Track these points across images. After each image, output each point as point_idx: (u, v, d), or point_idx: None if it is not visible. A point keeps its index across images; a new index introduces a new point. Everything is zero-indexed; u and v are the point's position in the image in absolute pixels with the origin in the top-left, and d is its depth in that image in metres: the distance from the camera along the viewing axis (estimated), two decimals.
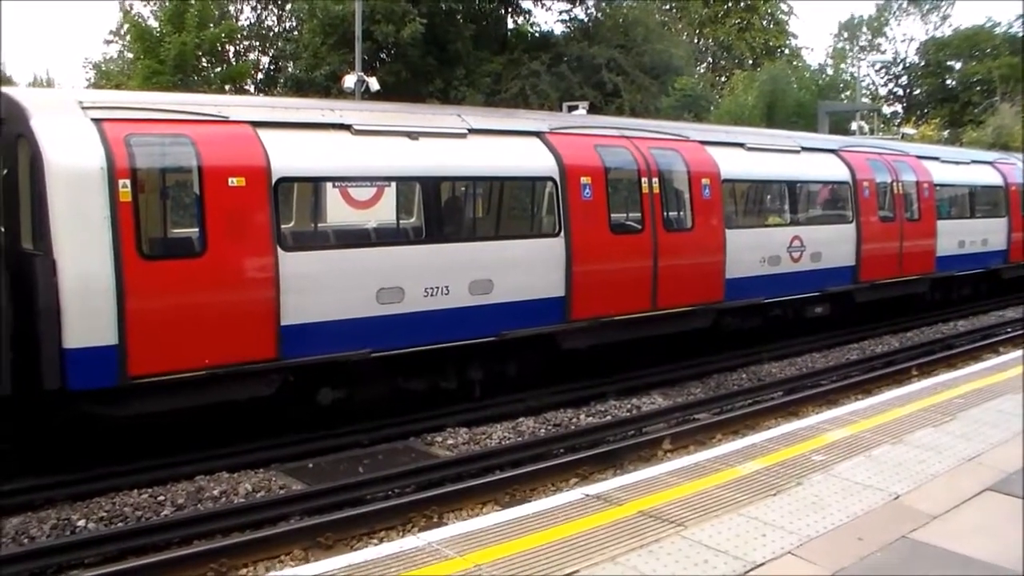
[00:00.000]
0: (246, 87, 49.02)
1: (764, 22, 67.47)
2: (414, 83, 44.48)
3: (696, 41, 68.65)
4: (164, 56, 41.30)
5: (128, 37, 47.83)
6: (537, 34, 54.08)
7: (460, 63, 46.86)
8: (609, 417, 13.50)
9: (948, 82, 76.66)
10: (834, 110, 51.11)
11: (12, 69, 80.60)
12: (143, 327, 10.00)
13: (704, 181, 15.69)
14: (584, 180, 13.85)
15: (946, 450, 8.63)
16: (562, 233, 13.64)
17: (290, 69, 50.61)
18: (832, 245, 18.72)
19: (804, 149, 19.33)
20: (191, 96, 12.90)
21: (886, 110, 78.25)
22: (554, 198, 13.85)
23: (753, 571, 5.91)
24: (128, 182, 9.99)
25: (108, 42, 58.96)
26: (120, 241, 9.87)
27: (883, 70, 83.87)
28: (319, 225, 13.68)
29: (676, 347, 16.24)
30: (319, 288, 11.27)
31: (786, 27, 70.36)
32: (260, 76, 52.67)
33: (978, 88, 71.86)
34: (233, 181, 10.66)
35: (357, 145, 12.07)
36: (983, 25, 75.96)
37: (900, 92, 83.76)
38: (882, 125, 66.67)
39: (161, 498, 9.87)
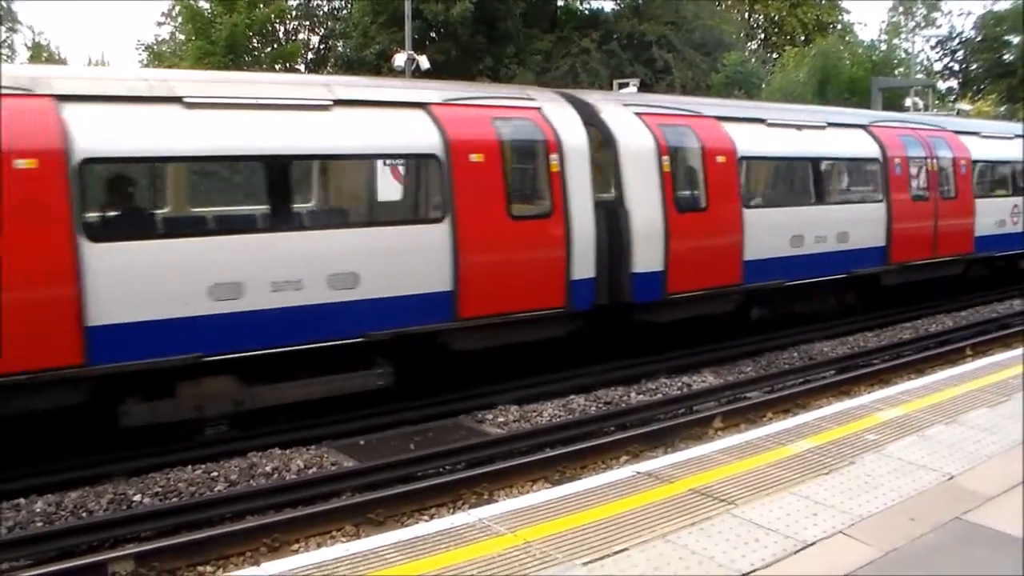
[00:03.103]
0: (296, 67, 49.26)
1: None
2: (464, 61, 44.49)
3: (747, 17, 67.85)
4: (215, 37, 41.69)
5: (180, 18, 48.26)
6: (587, 11, 53.87)
7: (510, 41, 46.76)
8: (660, 395, 13.50)
9: (1005, 57, 75.03)
10: (888, 86, 50.25)
11: (67, 51, 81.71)
12: (676, 259, 14.16)
13: (962, 161, 20.59)
14: (896, 161, 18.59)
15: (1001, 431, 8.51)
16: (884, 200, 18.30)
17: (340, 48, 50.77)
18: None
19: (1016, 136, 23.69)
20: (674, 97, 19.38)
21: (941, 86, 76.79)
22: (878, 174, 18.47)
23: (804, 550, 5.89)
24: (667, 158, 14.20)
25: (160, 24, 59.45)
26: (665, 199, 14.08)
27: (938, 45, 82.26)
28: (758, 189, 17.86)
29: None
30: (763, 235, 15.47)
31: (838, 2, 69.33)
32: (310, 56, 52.89)
33: None
34: (719, 159, 14.91)
35: (772, 134, 16.70)
36: None
37: (955, 67, 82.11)
38: (937, 101, 65.45)
39: (215, 474, 10.00)
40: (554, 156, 12.92)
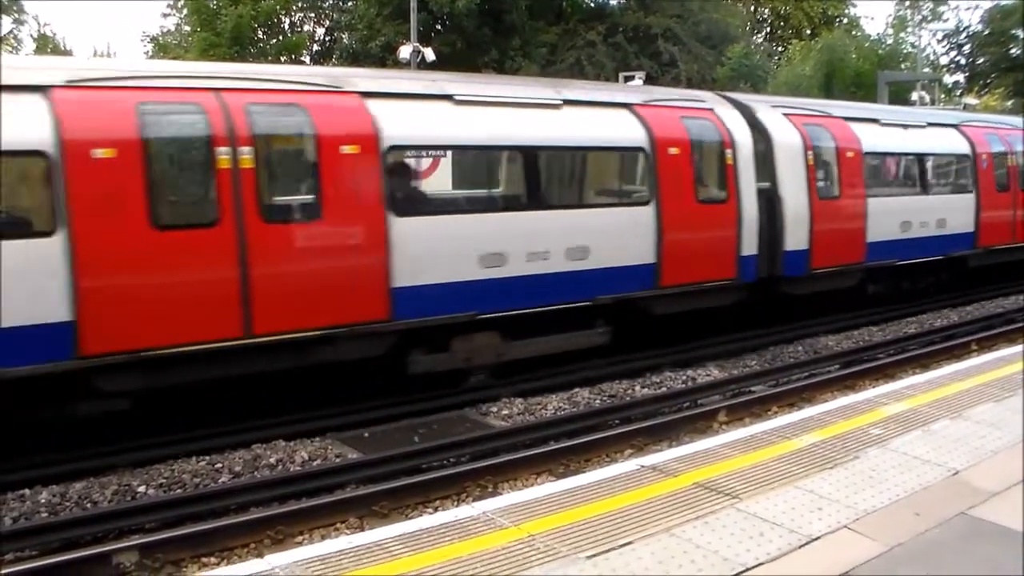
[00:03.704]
0: (302, 59, 49.20)
1: None
2: (469, 54, 44.42)
3: (753, 11, 67.66)
4: (221, 29, 41.65)
5: (185, 10, 48.22)
6: (592, 4, 53.67)
7: (515, 34, 46.67)
8: (664, 389, 13.49)
9: (1013, 51, 74.68)
10: (894, 80, 50.09)
11: (73, 42, 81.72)
12: (818, 239, 16.39)
13: None
14: (983, 156, 20.97)
15: (1007, 426, 8.48)
16: (973, 191, 20.65)
17: (345, 40, 50.66)
18: None
19: None
20: (808, 100, 21.65)
21: (948, 80, 76.54)
22: (968, 167, 20.81)
23: (809, 544, 5.88)
24: (811, 153, 16.45)
25: (166, 15, 59.55)
26: (810, 188, 16.35)
27: (945, 39, 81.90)
28: (876, 180, 19.03)
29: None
30: (881, 220, 17.75)
31: None
32: (315, 48, 52.82)
33: None
34: (849, 154, 17.26)
35: (885, 132, 18.85)
36: None
37: (962, 61, 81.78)
38: (943, 95, 65.24)
39: (219, 465, 10.02)
40: (728, 151, 15.15)
